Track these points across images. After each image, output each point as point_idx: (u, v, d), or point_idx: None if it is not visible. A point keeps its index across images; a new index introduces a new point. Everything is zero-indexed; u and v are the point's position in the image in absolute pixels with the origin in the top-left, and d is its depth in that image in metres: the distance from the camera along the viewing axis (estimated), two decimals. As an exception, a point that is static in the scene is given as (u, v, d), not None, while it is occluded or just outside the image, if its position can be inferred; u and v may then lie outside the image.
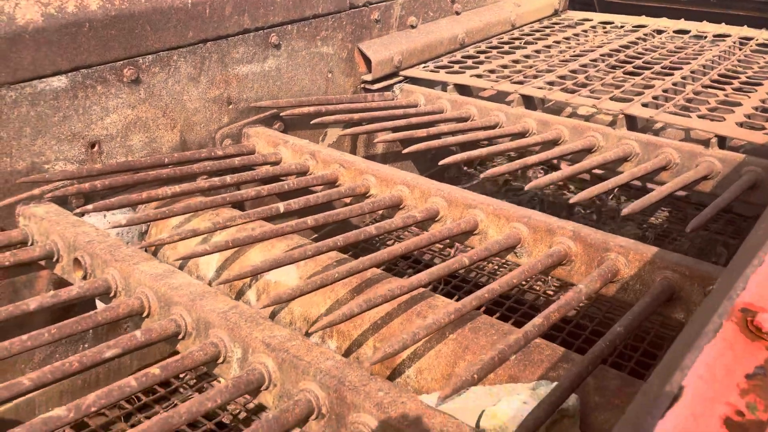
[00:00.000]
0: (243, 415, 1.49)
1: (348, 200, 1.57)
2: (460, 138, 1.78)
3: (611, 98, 1.90)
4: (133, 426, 1.42)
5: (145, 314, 1.16)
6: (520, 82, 2.04)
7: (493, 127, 1.88)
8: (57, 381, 0.99)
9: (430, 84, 2.17)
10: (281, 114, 1.83)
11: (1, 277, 1.35)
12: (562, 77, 2.13)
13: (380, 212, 1.60)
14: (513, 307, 1.79)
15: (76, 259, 1.27)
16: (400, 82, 2.16)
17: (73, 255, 1.27)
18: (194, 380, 1.58)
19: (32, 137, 1.37)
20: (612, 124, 1.83)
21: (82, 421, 1.24)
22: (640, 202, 1.40)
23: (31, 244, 1.34)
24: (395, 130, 1.82)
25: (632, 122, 1.81)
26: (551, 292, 1.95)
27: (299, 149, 1.69)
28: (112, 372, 1.52)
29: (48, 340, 1.07)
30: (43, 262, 1.34)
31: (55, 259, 1.31)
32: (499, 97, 2.07)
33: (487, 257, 1.28)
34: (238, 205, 1.70)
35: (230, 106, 1.75)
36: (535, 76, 2.12)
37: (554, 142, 1.79)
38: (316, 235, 1.91)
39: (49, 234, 1.32)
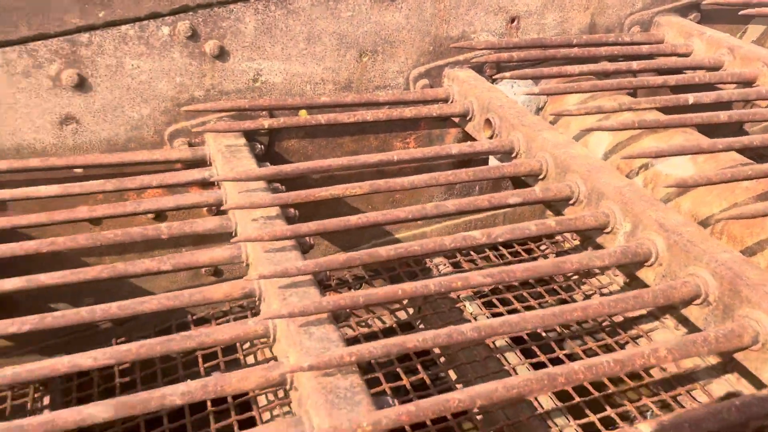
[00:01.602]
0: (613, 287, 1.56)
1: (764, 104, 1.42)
2: None
3: None
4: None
5: (541, 176, 1.29)
6: None
7: None
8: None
9: None
10: (701, 3, 1.69)
11: (424, 126, 1.63)
12: None
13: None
14: None
15: (488, 120, 1.45)
16: None
17: (486, 116, 1.46)
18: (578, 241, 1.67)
19: (467, 8, 1.56)
20: None
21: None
22: None
23: (452, 102, 1.57)
24: None
25: None
26: None
27: (716, 42, 1.55)
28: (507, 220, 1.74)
29: (462, 180, 1.28)
30: (457, 119, 1.57)
31: (468, 117, 1.52)
32: None
33: None
34: (634, 93, 1.68)
35: (645, -9, 1.69)
36: None
37: None
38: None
39: (467, 95, 1.52)
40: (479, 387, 0.76)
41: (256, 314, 1.14)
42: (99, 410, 0.80)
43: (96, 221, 1.39)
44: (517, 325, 0.87)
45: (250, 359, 1.41)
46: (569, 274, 1.53)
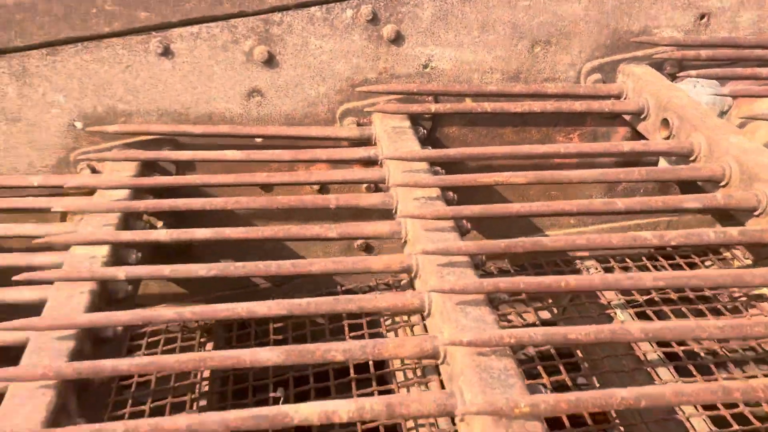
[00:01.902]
0: None
1: None
2: None
3: None
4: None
5: (723, 183, 1.19)
6: None
7: None
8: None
9: None
10: None
11: (591, 123, 1.58)
12: None
13: None
14: None
15: (665, 120, 1.37)
16: None
17: (663, 115, 1.38)
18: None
19: (652, 1, 1.47)
20: None
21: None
22: None
23: (625, 99, 1.50)
24: None
25: None
26: None
27: None
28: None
29: (632, 179, 1.22)
30: (629, 117, 1.50)
31: (643, 116, 1.44)
32: None
33: None
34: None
35: None
36: None
37: None
38: None
39: (642, 92, 1.45)
40: (648, 388, 0.73)
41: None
42: (272, 354, 0.88)
43: (268, 187, 1.51)
44: (690, 332, 0.82)
45: (391, 336, 1.46)
46: (737, 294, 1.41)
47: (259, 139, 1.47)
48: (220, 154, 1.36)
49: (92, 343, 1.02)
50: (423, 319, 1.02)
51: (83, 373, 0.85)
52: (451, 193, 1.24)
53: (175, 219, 1.43)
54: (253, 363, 0.88)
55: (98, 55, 1.35)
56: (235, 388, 1.45)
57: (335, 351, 0.89)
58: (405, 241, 1.15)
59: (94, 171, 1.45)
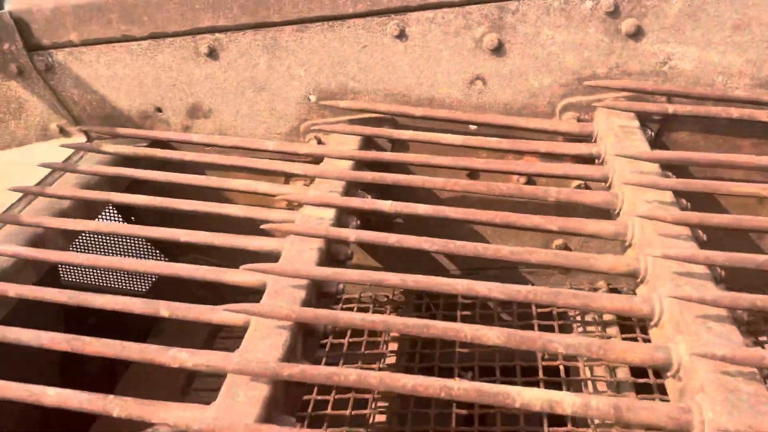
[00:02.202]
0: None
1: None
2: None
3: None
4: None
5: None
6: None
7: None
8: None
9: None
10: None
11: None
12: None
13: None
14: None
15: None
16: None
17: None
18: None
19: None
20: None
21: None
22: None
23: None
24: None
25: None
26: None
27: None
28: None
29: None
30: None
31: None
32: None
33: None
34: None
35: None
36: None
37: None
38: None
39: None
40: None
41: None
42: (493, 334, 0.88)
43: (475, 174, 1.52)
44: None
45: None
46: None
47: (473, 126, 1.48)
48: (438, 136, 1.39)
49: (316, 295, 1.10)
50: (648, 327, 0.96)
51: (320, 321, 0.92)
52: (684, 200, 1.15)
53: (380, 194, 1.49)
54: (473, 339, 0.89)
55: (340, 34, 1.45)
56: (421, 366, 1.48)
57: (558, 343, 0.87)
58: (629, 244, 1.09)
59: (319, 142, 1.56)
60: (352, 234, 1.09)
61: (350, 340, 1.57)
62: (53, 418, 1.81)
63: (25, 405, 1.95)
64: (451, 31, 1.42)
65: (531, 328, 1.48)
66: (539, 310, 1.53)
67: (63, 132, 1.60)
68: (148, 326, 1.85)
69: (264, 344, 0.94)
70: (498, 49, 1.42)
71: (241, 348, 0.95)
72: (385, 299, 1.76)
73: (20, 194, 1.37)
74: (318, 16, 1.43)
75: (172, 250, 1.92)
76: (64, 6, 1.47)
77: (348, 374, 0.82)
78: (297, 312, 0.92)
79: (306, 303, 1.04)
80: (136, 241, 2.25)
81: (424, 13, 1.40)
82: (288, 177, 1.56)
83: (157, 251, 2.00)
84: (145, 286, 2.33)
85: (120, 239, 2.23)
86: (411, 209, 1.16)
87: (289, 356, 0.95)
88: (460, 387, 0.80)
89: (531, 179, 1.51)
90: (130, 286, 2.36)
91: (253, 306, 0.95)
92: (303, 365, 0.85)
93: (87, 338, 0.95)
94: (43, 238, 1.27)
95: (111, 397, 0.87)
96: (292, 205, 1.47)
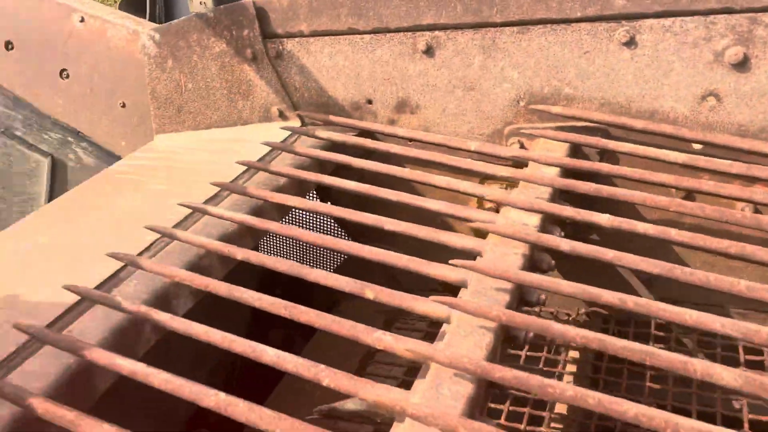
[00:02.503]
0: None
1: None
2: None
3: None
4: None
5: None
6: None
7: None
8: None
9: None
10: None
11: None
12: None
13: None
14: None
15: None
16: None
17: None
18: None
19: None
20: None
21: None
22: None
23: None
24: None
25: None
26: None
27: None
28: None
29: None
30: None
31: None
32: None
33: None
34: None
35: None
36: None
37: None
38: None
39: None
40: None
41: None
42: (729, 375, 0.79)
43: (689, 196, 1.39)
44: None
45: None
46: None
47: (698, 146, 1.36)
48: (661, 152, 1.30)
49: (517, 301, 1.08)
50: None
51: (531, 328, 0.89)
52: None
53: (580, 206, 1.42)
54: (703, 376, 0.80)
55: (562, 38, 1.40)
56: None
57: None
58: None
59: (521, 147, 1.53)
60: (565, 244, 1.05)
61: (528, 353, 1.52)
62: (237, 375, 1.98)
63: (219, 359, 2.12)
64: (688, 41, 1.31)
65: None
66: (748, 356, 1.37)
67: (281, 115, 1.73)
68: (328, 307, 1.95)
69: (467, 342, 0.94)
70: (741, 65, 1.28)
71: (444, 341, 0.95)
72: (567, 317, 1.68)
73: (244, 168, 1.50)
74: (541, 18, 1.40)
75: (356, 236, 2.00)
76: (300, -1, 1.58)
77: (564, 389, 0.78)
78: (507, 315, 0.90)
79: (508, 307, 1.01)
80: (323, 222, 2.38)
81: (660, 20, 1.31)
82: (484, 179, 1.55)
83: (346, 235, 2.09)
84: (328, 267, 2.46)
85: (312, 218, 2.37)
86: (630, 226, 1.09)
87: (491, 359, 0.94)
88: (693, 428, 0.73)
89: (757, 209, 1.35)
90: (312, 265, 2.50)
91: (463, 302, 0.94)
92: (515, 371, 0.82)
93: (303, 307, 1.01)
94: (261, 210, 1.38)
95: (322, 366, 0.91)
96: (485, 207, 1.46)
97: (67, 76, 1.93)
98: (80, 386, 0.96)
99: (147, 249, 1.23)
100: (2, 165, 2.10)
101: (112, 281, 1.15)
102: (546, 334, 0.89)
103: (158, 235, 1.24)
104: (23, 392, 0.85)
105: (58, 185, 2.08)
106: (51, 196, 2.07)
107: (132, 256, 1.14)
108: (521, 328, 0.91)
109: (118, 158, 1.90)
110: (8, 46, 2.00)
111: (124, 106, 1.89)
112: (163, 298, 1.14)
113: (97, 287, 1.11)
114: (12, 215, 2.10)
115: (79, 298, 1.08)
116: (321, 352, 1.73)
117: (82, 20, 1.85)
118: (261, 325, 1.99)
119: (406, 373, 1.54)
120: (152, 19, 2.83)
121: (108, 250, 1.17)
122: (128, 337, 1.04)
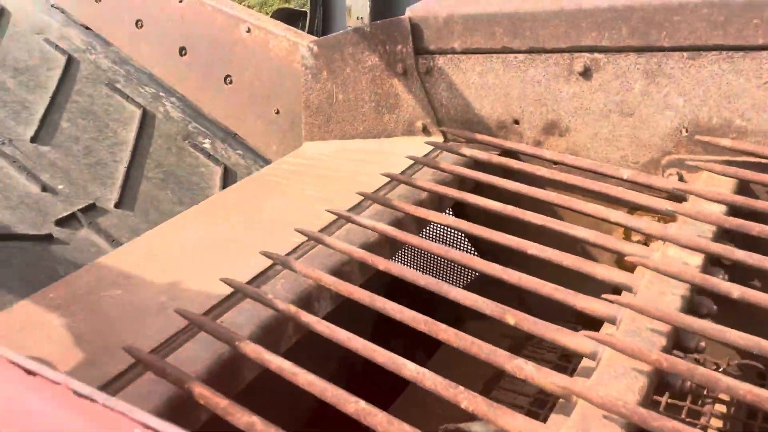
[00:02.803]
0: None
1: None
2: None
3: None
4: None
5: None
6: None
7: None
8: None
9: None
10: None
11: None
12: None
13: None
14: None
15: None
16: None
17: None
18: None
19: None
20: None
21: None
22: None
23: None
24: None
25: None
26: None
27: None
28: None
29: None
30: None
31: None
32: None
33: None
34: None
35: None
36: None
37: None
38: None
39: None
40: None
41: None
42: None
43: None
44: None
45: None
46: None
47: None
48: None
49: (672, 345, 1.00)
50: None
51: (693, 379, 0.82)
52: None
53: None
54: None
55: (738, 67, 1.29)
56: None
57: None
58: None
59: (680, 179, 1.43)
60: (735, 289, 0.96)
61: (669, 400, 1.41)
62: (356, 377, 2.01)
63: (341, 360, 2.15)
64: None
65: None
66: None
67: (425, 130, 1.74)
68: (452, 322, 1.93)
69: (618, 383, 0.88)
70: None
71: (592, 380, 0.90)
72: (714, 366, 1.54)
73: (387, 179, 1.53)
74: (716, 44, 1.30)
75: (485, 256, 1.96)
76: (455, 15, 1.59)
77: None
78: (669, 361, 0.84)
79: (664, 351, 0.94)
80: (450, 235, 2.36)
81: None
82: (632, 209, 1.47)
83: (476, 253, 2.06)
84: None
85: (440, 231, 2.36)
86: (813, 278, 0.97)
87: (644, 404, 0.87)
88: None
89: None
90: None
91: (620, 341, 0.89)
92: (675, 421, 0.76)
93: (442, 325, 1.00)
94: (401, 222, 1.40)
95: (461, 388, 0.89)
96: (631, 239, 1.38)
97: (231, 82, 2.07)
98: (228, 375, 1.02)
99: (294, 251, 1.28)
100: (102, 112, 2.24)
101: (260, 278, 1.21)
102: (711, 387, 0.81)
103: (304, 238, 1.29)
104: (183, 375, 0.91)
105: (145, 134, 2.18)
106: (137, 144, 2.14)
107: (284, 257, 1.20)
108: (683, 376, 0.84)
109: (233, 137, 1.95)
110: (182, 52, 2.20)
111: (278, 112, 2.00)
112: (306, 300, 1.18)
113: (248, 283, 1.18)
114: (102, 155, 2.17)
115: (231, 290, 1.15)
116: (448, 370, 1.72)
117: (249, 30, 1.98)
118: (382, 332, 2.02)
119: (532, 404, 1.49)
120: (310, 32, 2.99)
121: (257, 248, 1.24)
122: (274, 333, 1.09)
